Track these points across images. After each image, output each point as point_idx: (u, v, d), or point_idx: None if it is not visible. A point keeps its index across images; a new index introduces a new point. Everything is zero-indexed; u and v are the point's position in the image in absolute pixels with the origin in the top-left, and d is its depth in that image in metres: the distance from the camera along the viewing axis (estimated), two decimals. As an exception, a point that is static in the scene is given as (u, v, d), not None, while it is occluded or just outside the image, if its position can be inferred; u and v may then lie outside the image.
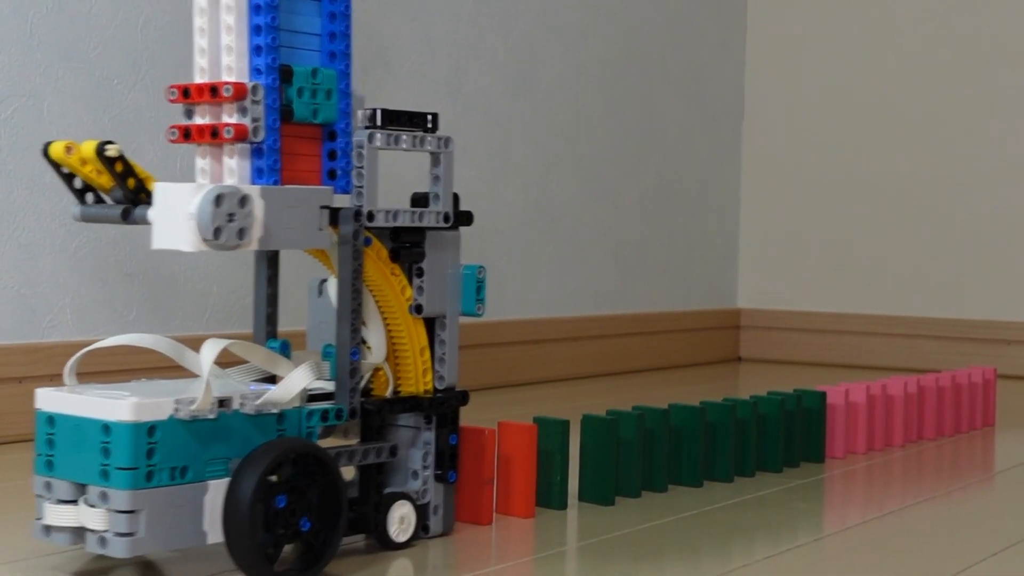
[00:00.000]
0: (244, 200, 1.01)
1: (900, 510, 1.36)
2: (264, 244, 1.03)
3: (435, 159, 1.18)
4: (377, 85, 2.09)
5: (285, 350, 1.16)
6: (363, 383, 1.14)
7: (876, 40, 2.82)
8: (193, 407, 1.00)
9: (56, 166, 1.06)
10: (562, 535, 1.23)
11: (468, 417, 1.89)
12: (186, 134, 1.07)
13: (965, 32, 2.74)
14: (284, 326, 1.84)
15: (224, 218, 0.99)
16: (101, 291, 1.73)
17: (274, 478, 1.02)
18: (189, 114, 1.08)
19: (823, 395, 1.61)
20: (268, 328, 1.18)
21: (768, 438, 1.54)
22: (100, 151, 1.04)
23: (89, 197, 1.08)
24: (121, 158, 1.04)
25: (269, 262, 1.19)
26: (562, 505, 1.32)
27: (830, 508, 1.39)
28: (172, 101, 1.08)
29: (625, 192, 2.62)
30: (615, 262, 2.60)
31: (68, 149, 1.05)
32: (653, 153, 2.68)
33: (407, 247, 1.16)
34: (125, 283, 1.75)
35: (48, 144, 1.05)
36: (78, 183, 1.08)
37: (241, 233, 1.01)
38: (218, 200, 0.99)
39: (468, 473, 1.24)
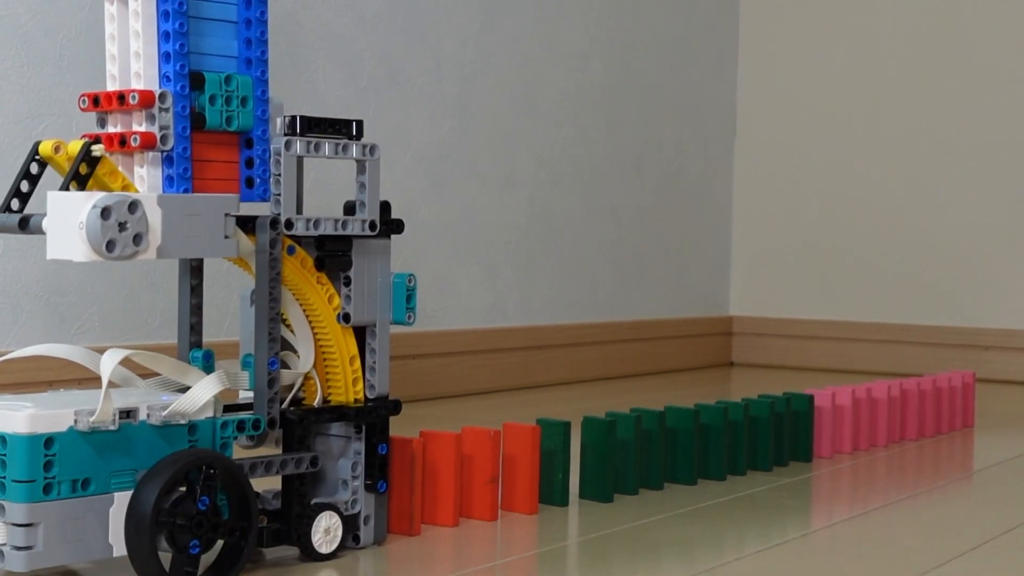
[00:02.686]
0: (133, 206, 0.94)
1: (884, 507, 1.36)
2: (164, 253, 0.97)
3: (361, 167, 1.10)
4: (388, 103, 2.09)
5: (208, 360, 1.09)
6: (294, 392, 1.09)
7: (860, 63, 2.82)
8: (92, 418, 0.93)
9: (42, 164, 1.00)
10: (564, 531, 1.22)
11: (474, 419, 1.89)
12: (96, 143, 1.01)
13: (943, 54, 2.74)
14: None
15: (115, 229, 0.93)
16: (126, 300, 1.73)
17: (181, 489, 0.96)
18: (102, 123, 1.03)
19: (811, 398, 1.61)
20: (192, 338, 1.11)
21: (759, 439, 1.54)
22: (87, 149, 0.98)
23: (15, 204, 1.01)
24: (104, 159, 0.99)
25: (193, 272, 1.11)
26: (564, 502, 1.32)
27: (817, 505, 1.39)
28: (83, 110, 1.03)
29: (623, 206, 2.61)
30: (614, 272, 2.60)
31: (57, 148, 0.99)
32: (650, 169, 2.68)
33: (332, 255, 1.09)
34: (149, 292, 1.75)
35: (38, 143, 1.00)
36: (25, 187, 1.01)
37: (137, 239, 0.94)
38: (104, 213, 0.92)
39: (472, 472, 1.24)
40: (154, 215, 0.96)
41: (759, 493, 1.41)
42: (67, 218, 0.93)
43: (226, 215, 1.00)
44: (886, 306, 2.79)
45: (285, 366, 1.09)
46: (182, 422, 0.98)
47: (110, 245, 0.93)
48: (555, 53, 2.43)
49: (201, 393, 0.99)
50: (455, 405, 2.07)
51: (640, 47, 2.64)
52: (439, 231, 2.19)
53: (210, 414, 1.01)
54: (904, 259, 2.77)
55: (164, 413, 0.97)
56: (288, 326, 1.09)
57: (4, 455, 0.92)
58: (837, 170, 2.84)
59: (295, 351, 1.09)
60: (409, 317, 1.13)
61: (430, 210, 2.17)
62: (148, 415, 0.97)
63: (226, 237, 1.01)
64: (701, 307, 2.87)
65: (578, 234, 2.50)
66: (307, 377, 1.10)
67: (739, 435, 1.51)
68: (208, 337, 1.72)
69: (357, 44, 2.04)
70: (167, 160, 1.01)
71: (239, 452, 1.09)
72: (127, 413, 0.96)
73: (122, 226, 0.93)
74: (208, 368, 1.08)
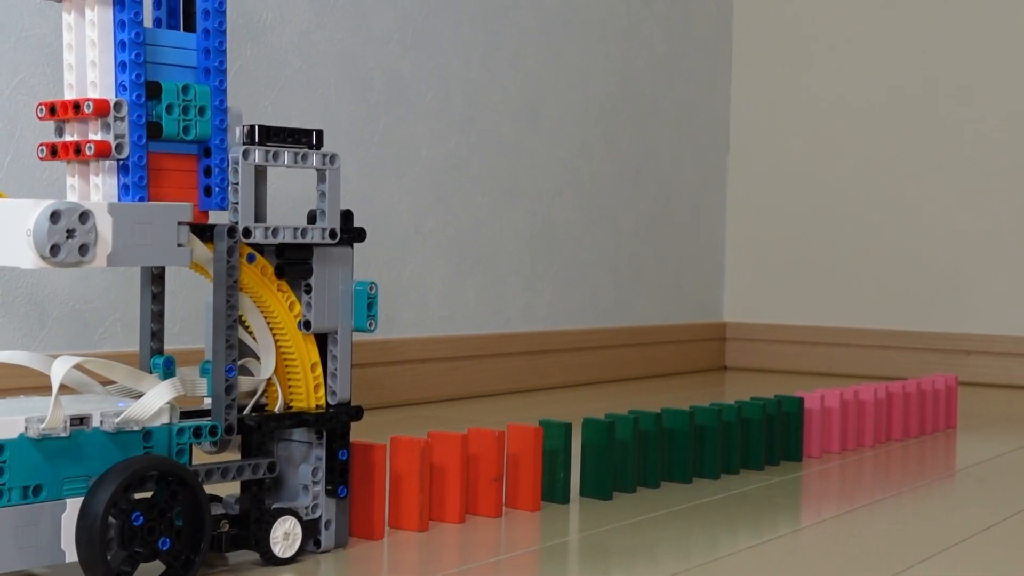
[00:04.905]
0: (84, 216, 0.90)
1: (870, 504, 1.36)
2: (114, 261, 0.92)
3: (321, 176, 1.06)
4: (398, 119, 2.09)
5: (169, 367, 1.04)
6: (256, 398, 1.05)
7: (847, 81, 2.82)
8: (42, 425, 0.89)
9: None
10: (565, 527, 1.22)
11: (479, 421, 1.89)
12: (53, 151, 0.98)
13: (926, 76, 2.74)
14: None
15: (62, 235, 0.89)
16: (149, 306, 1.73)
17: (134, 496, 0.92)
18: (60, 131, 0.99)
19: (801, 400, 1.61)
20: (154, 345, 1.06)
21: (751, 439, 1.54)
22: None
23: None
24: None
25: (155, 279, 1.06)
26: (565, 500, 1.32)
27: (807, 503, 1.39)
28: (41, 119, 0.99)
29: (622, 217, 2.62)
30: (613, 280, 2.60)
31: None
32: (647, 181, 2.69)
33: (292, 263, 1.05)
34: (170, 299, 1.75)
35: None
36: None
37: (83, 249, 0.90)
38: (54, 216, 0.88)
39: (478, 471, 1.24)
40: (104, 223, 0.92)
41: (752, 491, 1.42)
42: (15, 225, 0.90)
43: (179, 223, 0.96)
44: (873, 313, 2.78)
45: (248, 373, 1.05)
46: (136, 429, 0.94)
47: (54, 249, 0.89)
48: (557, 71, 2.43)
49: (153, 400, 0.95)
50: (461, 407, 2.07)
51: (638, 65, 2.64)
52: (446, 241, 2.19)
53: (166, 420, 0.96)
54: (890, 268, 2.77)
55: (117, 420, 0.93)
56: (251, 333, 1.05)
57: None
58: (825, 183, 2.84)
59: (258, 358, 1.06)
60: (370, 324, 1.08)
61: (438, 221, 2.17)
62: (101, 422, 0.93)
63: (179, 245, 0.97)
64: (696, 313, 2.87)
65: (579, 244, 2.50)
66: (270, 383, 1.06)
67: (732, 436, 1.51)
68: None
69: (368, 62, 2.04)
70: (123, 169, 0.97)
71: (202, 458, 1.05)
72: (80, 420, 0.92)
73: (70, 233, 0.90)
74: (169, 375, 1.04)
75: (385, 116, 2.07)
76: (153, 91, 0.98)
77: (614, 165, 2.59)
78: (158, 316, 1.07)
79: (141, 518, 0.93)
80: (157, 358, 1.05)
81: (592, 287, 2.54)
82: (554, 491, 1.31)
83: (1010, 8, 2.68)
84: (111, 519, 0.92)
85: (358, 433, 1.70)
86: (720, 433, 1.48)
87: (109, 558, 0.91)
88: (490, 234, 2.29)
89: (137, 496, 0.93)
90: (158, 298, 1.07)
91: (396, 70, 2.09)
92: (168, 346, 1.71)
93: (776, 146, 2.90)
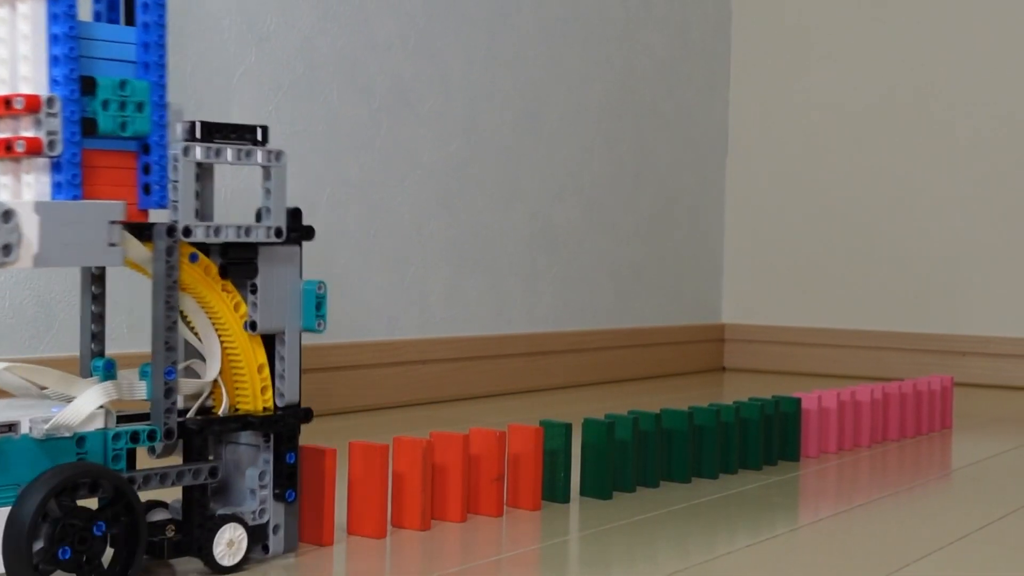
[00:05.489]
0: (7, 215, 0.86)
1: (867, 504, 1.36)
2: (41, 261, 0.88)
3: (266, 173, 1.02)
4: (399, 123, 2.10)
5: (110, 370, 1.00)
6: (202, 401, 1.01)
7: (845, 84, 2.82)
8: None
9: None
10: (565, 526, 1.23)
11: (480, 421, 1.89)
12: None
13: (921, 80, 2.74)
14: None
15: None
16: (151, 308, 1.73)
17: (66, 503, 0.88)
18: None
19: (798, 401, 1.62)
20: (95, 347, 1.03)
21: (749, 439, 1.54)
22: None
23: None
24: None
25: (95, 280, 1.02)
26: (565, 499, 1.32)
27: (804, 502, 1.39)
28: None
29: (622, 219, 2.62)
30: (613, 282, 2.60)
31: None
32: (647, 185, 2.69)
33: (237, 263, 1.01)
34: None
35: None
36: None
37: (6, 250, 0.86)
38: None
39: (479, 471, 1.25)
40: (30, 223, 0.88)
41: (750, 491, 1.42)
42: None
43: (111, 222, 0.92)
44: (869, 314, 2.79)
45: (194, 374, 1.02)
46: (67, 435, 0.90)
47: None
48: (557, 75, 2.43)
49: (84, 405, 0.91)
50: (463, 407, 2.08)
51: (637, 69, 2.65)
52: (448, 243, 2.19)
53: (100, 425, 0.92)
54: (886, 270, 2.77)
55: (46, 426, 0.89)
56: (196, 334, 1.02)
57: None
58: (823, 187, 2.84)
59: (203, 359, 1.02)
60: (319, 324, 1.05)
61: (439, 223, 2.18)
62: (30, 428, 0.89)
63: (111, 245, 0.92)
64: (695, 315, 2.87)
65: (579, 246, 2.50)
66: (216, 386, 1.02)
67: (731, 436, 1.51)
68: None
69: (370, 67, 2.05)
70: (55, 166, 0.92)
71: (146, 462, 1.02)
72: (8, 427, 0.88)
73: None
74: (110, 378, 0.99)
75: (387, 120, 2.07)
76: (88, 86, 0.94)
77: (614, 168, 2.59)
78: (99, 318, 1.04)
79: (73, 527, 0.89)
80: (97, 360, 1.02)
81: (592, 289, 2.54)
82: (554, 491, 1.32)
83: (1004, 14, 2.68)
84: (41, 528, 0.88)
85: (361, 433, 1.71)
86: (719, 433, 1.48)
87: (39, 568, 0.88)
88: (491, 236, 2.29)
89: (68, 504, 0.89)
90: (99, 299, 1.04)
91: (398, 75, 2.09)
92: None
93: (774, 149, 2.90)
